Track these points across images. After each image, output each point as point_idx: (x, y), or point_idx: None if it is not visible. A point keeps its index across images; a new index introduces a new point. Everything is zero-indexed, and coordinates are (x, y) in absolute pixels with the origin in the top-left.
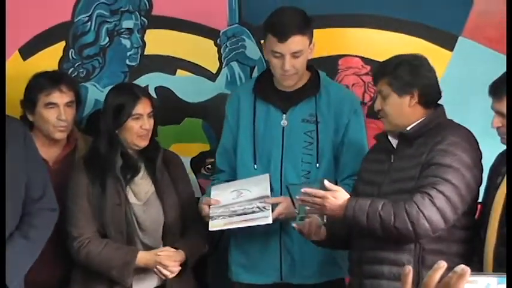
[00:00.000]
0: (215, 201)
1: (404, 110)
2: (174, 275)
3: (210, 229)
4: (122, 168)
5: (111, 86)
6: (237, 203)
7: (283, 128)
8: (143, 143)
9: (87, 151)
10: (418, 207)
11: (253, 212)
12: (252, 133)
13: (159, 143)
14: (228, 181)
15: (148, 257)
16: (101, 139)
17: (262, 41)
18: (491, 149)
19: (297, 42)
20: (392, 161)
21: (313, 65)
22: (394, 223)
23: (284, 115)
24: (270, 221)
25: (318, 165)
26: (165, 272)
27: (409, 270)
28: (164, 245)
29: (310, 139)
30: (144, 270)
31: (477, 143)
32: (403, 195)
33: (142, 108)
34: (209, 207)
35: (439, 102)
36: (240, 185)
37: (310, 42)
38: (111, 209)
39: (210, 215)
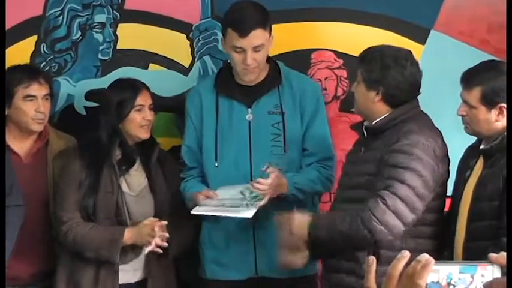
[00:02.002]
0: (213, 194)
1: (369, 104)
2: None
3: (191, 212)
4: (119, 159)
5: (85, 81)
6: (232, 198)
7: (249, 122)
8: (145, 135)
9: (83, 140)
10: (371, 212)
11: (239, 206)
12: (215, 130)
13: (156, 139)
14: (201, 176)
15: (134, 232)
16: (101, 132)
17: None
18: (463, 142)
19: (258, 36)
20: (361, 152)
21: (270, 57)
22: (349, 231)
23: (249, 109)
24: (249, 215)
25: (286, 155)
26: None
27: (373, 260)
28: None
29: (278, 131)
30: (128, 264)
31: (441, 140)
32: (358, 190)
33: (144, 99)
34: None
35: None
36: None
37: (270, 35)
38: (102, 197)
39: (201, 203)
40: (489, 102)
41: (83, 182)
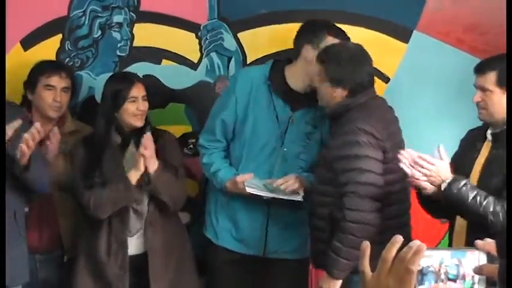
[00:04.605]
0: (249, 176)
1: (335, 99)
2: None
3: (247, 190)
4: (118, 143)
5: (105, 75)
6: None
7: (289, 124)
8: (139, 123)
9: (88, 132)
10: (356, 208)
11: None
12: (257, 119)
13: (149, 122)
14: (224, 151)
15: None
16: (98, 120)
17: (306, 43)
18: (444, 132)
19: None
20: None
21: None
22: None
23: (293, 113)
24: (300, 198)
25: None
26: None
27: (367, 245)
28: (149, 213)
29: (308, 140)
30: (134, 236)
31: (386, 121)
32: (320, 169)
33: (137, 91)
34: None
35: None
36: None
37: None
38: (106, 171)
39: (247, 184)
40: (503, 84)
41: (87, 165)
